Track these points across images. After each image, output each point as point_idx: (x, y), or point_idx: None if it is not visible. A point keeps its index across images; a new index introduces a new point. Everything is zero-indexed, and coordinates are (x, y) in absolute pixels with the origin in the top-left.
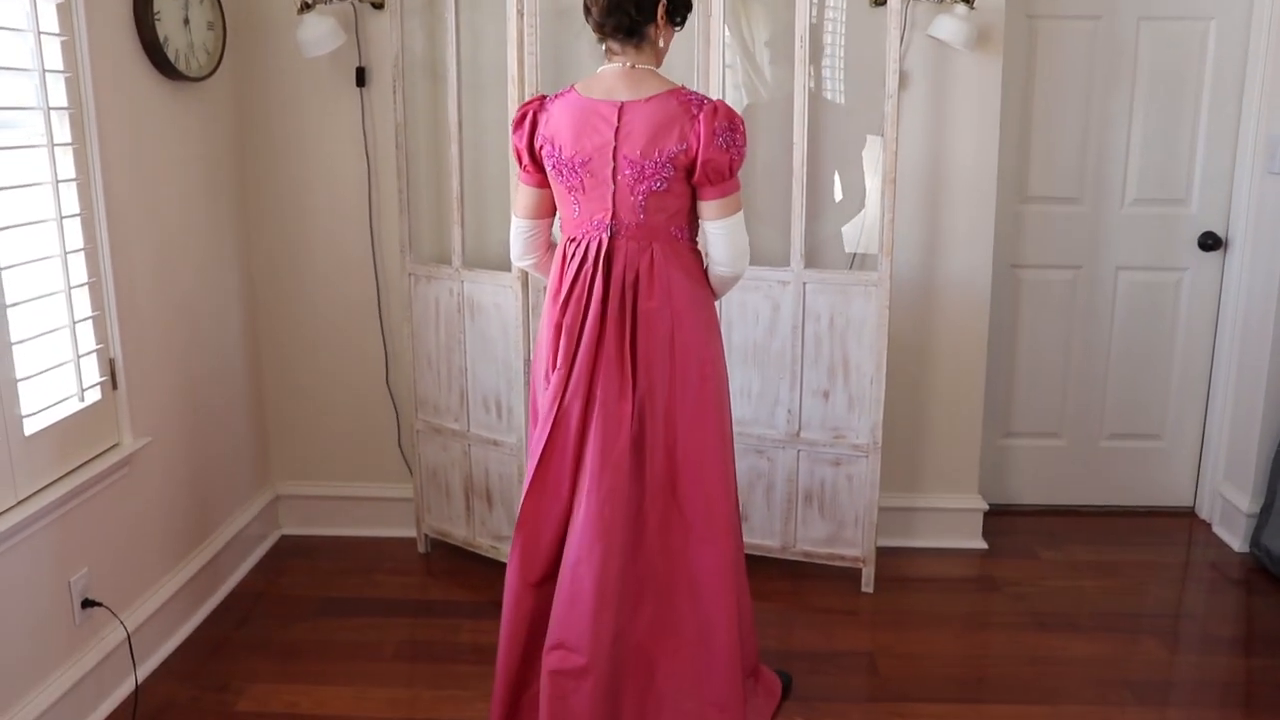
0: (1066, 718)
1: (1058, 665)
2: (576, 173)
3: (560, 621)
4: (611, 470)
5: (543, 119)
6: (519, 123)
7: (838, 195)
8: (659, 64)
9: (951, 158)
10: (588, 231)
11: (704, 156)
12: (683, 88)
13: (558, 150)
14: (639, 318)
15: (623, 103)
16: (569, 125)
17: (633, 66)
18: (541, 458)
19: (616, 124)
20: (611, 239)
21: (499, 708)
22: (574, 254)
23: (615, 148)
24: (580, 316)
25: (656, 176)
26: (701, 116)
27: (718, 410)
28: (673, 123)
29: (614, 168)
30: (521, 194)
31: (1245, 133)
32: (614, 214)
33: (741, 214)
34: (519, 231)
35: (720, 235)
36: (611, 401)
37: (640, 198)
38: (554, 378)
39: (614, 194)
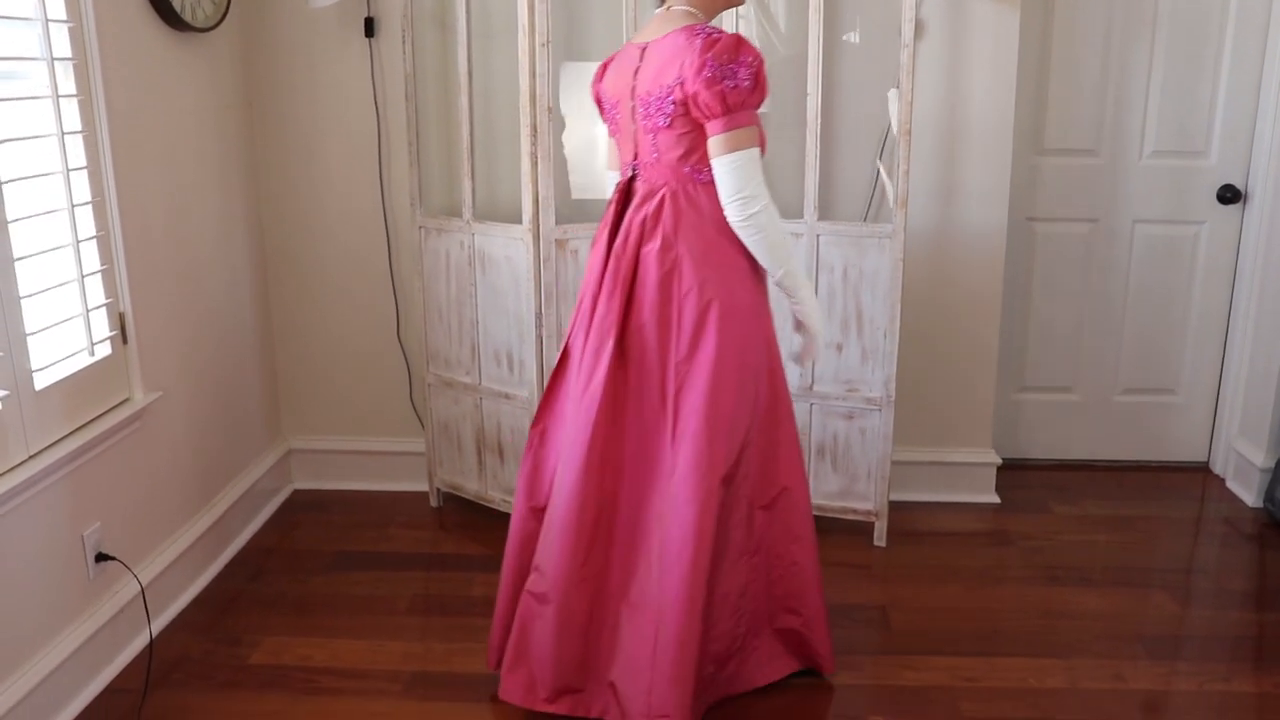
0: (1079, 671)
1: (1070, 619)
2: (612, 115)
3: (540, 544)
4: (587, 405)
5: (609, 69)
6: (595, 76)
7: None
8: (712, 6)
9: (967, 109)
10: (624, 172)
11: (691, 89)
12: (704, 24)
13: (605, 96)
14: (640, 259)
15: (647, 43)
16: (613, 71)
17: (669, 8)
18: (550, 386)
19: (638, 64)
20: (632, 179)
21: (498, 626)
22: (613, 196)
23: (634, 88)
24: (603, 254)
25: (660, 113)
26: (698, 48)
27: (734, 367)
28: (676, 57)
29: (633, 107)
30: (608, 145)
31: (1268, 84)
32: (635, 154)
33: (748, 153)
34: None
35: (720, 173)
36: (602, 338)
37: (651, 136)
38: (575, 311)
39: (635, 134)
